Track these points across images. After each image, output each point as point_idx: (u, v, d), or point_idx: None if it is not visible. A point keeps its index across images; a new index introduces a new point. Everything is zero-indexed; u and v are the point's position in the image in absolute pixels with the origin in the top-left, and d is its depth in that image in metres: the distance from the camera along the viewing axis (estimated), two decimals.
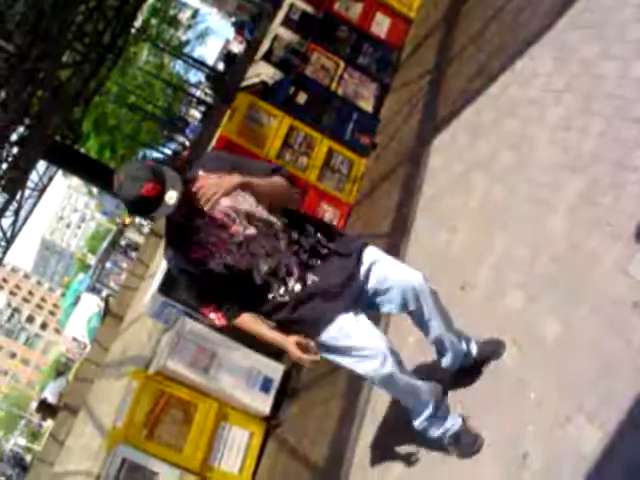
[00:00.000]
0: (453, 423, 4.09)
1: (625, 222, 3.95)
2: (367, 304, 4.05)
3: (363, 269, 3.96)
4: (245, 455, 7.41)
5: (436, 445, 4.21)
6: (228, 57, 41.54)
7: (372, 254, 4.05)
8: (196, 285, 3.90)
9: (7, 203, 20.15)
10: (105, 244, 44.12)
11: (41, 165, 22.28)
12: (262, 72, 12.45)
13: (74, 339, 46.22)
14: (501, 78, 7.08)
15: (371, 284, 3.98)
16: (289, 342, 3.80)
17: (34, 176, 21.95)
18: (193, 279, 3.87)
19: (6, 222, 20.85)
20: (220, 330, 7.02)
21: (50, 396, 29.17)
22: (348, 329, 3.82)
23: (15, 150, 19.49)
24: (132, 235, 43.45)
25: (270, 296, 3.86)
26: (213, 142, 9.47)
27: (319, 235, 3.93)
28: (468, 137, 7.15)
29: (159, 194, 3.37)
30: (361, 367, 3.85)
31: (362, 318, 3.88)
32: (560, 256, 4.41)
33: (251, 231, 3.73)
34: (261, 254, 3.77)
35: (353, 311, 3.87)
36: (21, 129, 19.39)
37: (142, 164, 3.51)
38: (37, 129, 19.07)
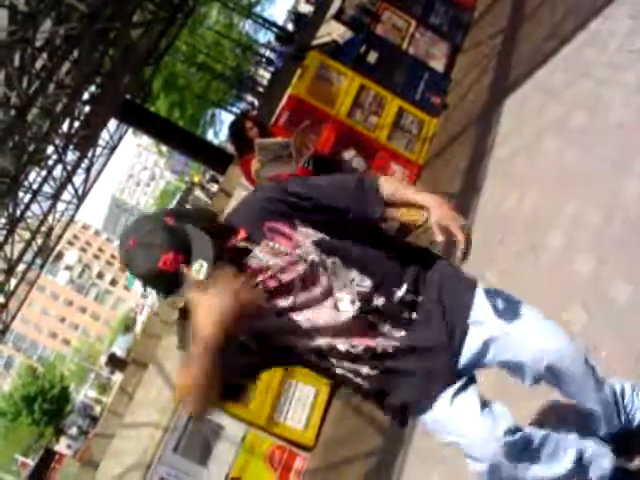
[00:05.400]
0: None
1: None
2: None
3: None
4: (310, 412, 7.50)
5: None
6: (297, 17, 41.37)
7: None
8: None
9: (79, 161, 20.49)
10: (174, 202, 44.60)
11: (112, 124, 22.56)
12: (333, 31, 12.38)
13: (142, 295, 46.95)
14: (575, 39, 6.94)
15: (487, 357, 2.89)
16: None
17: (105, 134, 22.24)
18: None
19: (78, 180, 21.21)
20: None
21: (119, 350, 29.84)
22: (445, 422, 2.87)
23: (87, 108, 19.77)
24: (200, 194, 43.79)
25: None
26: (283, 101, 9.45)
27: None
28: (541, 98, 7.04)
29: (180, 268, 2.49)
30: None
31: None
32: (633, 219, 4.34)
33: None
34: None
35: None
36: (93, 88, 19.63)
37: (156, 224, 2.56)
38: (108, 88, 19.30)
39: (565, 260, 4.77)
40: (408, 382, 2.84)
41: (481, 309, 2.82)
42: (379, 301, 2.75)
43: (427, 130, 9.43)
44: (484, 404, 2.83)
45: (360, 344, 2.77)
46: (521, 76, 7.78)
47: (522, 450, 2.78)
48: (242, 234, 2.63)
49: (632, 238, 4.25)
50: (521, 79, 7.73)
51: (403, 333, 2.79)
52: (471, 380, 2.90)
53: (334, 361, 2.84)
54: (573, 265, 4.62)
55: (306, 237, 2.71)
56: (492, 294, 2.86)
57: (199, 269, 2.49)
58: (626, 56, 5.70)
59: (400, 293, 2.77)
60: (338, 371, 2.87)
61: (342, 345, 2.77)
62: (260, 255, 2.69)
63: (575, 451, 2.91)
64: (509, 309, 2.83)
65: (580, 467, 2.93)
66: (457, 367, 2.84)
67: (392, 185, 2.85)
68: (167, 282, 2.50)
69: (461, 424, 2.79)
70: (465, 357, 2.85)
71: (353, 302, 2.72)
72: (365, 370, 2.83)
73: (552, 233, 5.15)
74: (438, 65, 10.53)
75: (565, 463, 2.88)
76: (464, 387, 2.84)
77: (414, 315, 2.80)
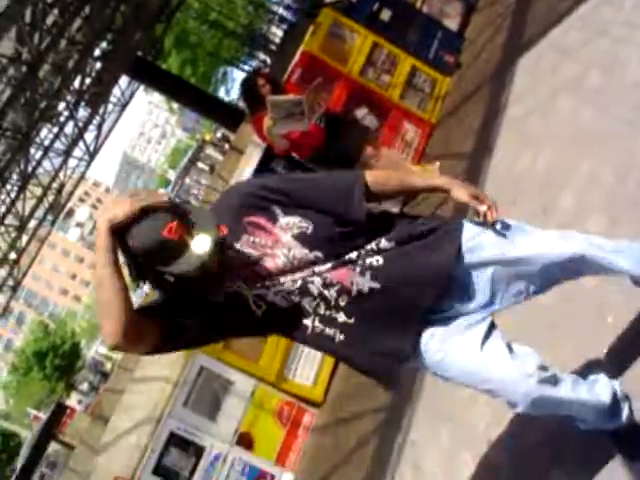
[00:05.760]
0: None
1: None
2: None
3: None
4: (319, 368, 7.57)
5: None
6: None
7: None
8: None
9: (90, 117, 20.50)
10: (185, 160, 44.55)
11: (123, 80, 22.54)
12: None
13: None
14: None
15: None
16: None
17: (116, 91, 22.24)
18: None
19: (89, 136, 21.24)
20: None
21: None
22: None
23: (98, 65, 19.72)
24: (212, 152, 43.71)
25: None
26: (296, 58, 9.41)
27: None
28: (555, 57, 6.98)
29: (184, 238, 2.50)
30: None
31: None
32: None
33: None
34: None
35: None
36: (104, 44, 19.56)
37: (161, 202, 2.59)
38: (120, 45, 19.24)
39: (577, 220, 4.76)
40: (389, 326, 2.90)
41: (475, 235, 2.91)
42: (351, 255, 2.83)
43: (440, 89, 9.38)
44: (510, 347, 2.91)
45: (334, 279, 2.81)
46: (535, 35, 7.72)
47: (555, 383, 2.89)
48: (223, 231, 2.61)
49: None
50: (536, 38, 7.67)
51: (381, 261, 2.84)
52: (492, 326, 2.96)
53: (309, 309, 2.85)
54: (586, 224, 4.60)
55: (287, 230, 2.77)
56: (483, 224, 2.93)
57: (201, 242, 2.49)
58: None
59: (372, 245, 2.85)
60: (315, 324, 2.88)
61: (317, 283, 2.81)
62: (242, 249, 2.76)
63: (609, 386, 3.06)
64: (507, 229, 2.95)
65: (614, 401, 3.05)
66: (452, 306, 2.92)
67: (390, 176, 2.96)
68: (168, 255, 2.49)
69: (493, 370, 2.86)
70: (475, 291, 2.92)
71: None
72: (342, 318, 2.86)
73: (565, 193, 5.13)
74: (452, 24, 10.44)
75: (603, 392, 3.02)
76: (488, 333, 2.91)
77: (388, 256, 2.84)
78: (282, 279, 2.80)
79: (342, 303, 2.84)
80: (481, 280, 2.92)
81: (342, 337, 2.88)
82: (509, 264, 2.91)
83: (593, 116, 5.53)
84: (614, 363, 3.51)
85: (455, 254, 2.87)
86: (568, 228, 4.69)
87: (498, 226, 2.92)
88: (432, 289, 2.87)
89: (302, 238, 2.78)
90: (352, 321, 2.86)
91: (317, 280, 2.80)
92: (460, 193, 2.87)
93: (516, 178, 6.13)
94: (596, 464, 3.32)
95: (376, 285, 2.81)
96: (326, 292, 2.82)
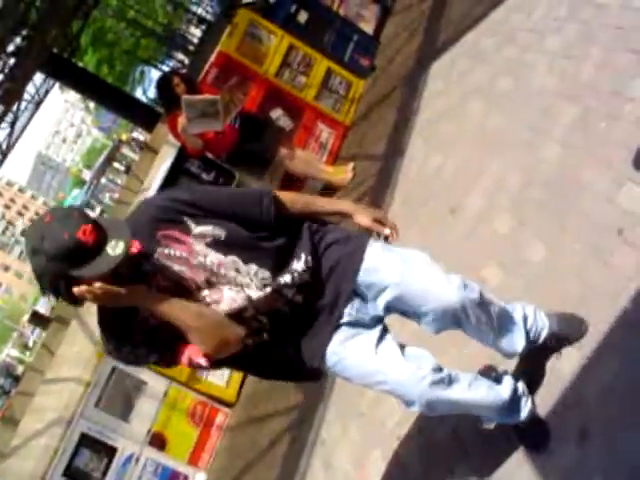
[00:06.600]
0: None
1: (617, 151, 3.98)
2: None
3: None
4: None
5: None
6: None
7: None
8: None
9: (3, 114, 20.06)
10: (101, 160, 44.04)
11: (38, 77, 22.13)
12: None
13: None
14: (504, 4, 7.02)
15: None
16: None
17: (31, 88, 21.82)
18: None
19: (2, 134, 20.80)
20: None
21: (42, 309, 29.45)
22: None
23: (12, 61, 19.32)
24: (128, 152, 43.29)
25: None
26: (212, 58, 9.37)
27: None
28: (468, 62, 7.12)
29: (99, 241, 2.51)
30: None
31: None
32: (551, 183, 4.44)
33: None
34: None
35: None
36: (18, 40, 19.19)
37: (74, 207, 2.75)
38: (34, 40, 18.86)
39: (483, 221, 4.88)
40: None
41: (375, 259, 3.03)
42: (285, 278, 2.94)
43: (355, 91, 9.45)
44: (403, 349, 3.01)
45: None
46: (449, 40, 7.85)
47: (450, 383, 2.97)
48: (136, 246, 2.68)
49: (549, 200, 4.36)
50: (449, 43, 7.80)
51: (300, 298, 2.97)
52: (385, 330, 3.09)
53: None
54: (492, 226, 4.73)
55: (200, 240, 2.83)
56: (386, 248, 3.09)
57: (115, 246, 2.51)
58: (550, 23, 5.80)
59: (300, 264, 2.96)
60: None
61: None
62: (159, 262, 2.80)
63: (510, 383, 3.19)
64: (401, 257, 3.07)
65: (515, 398, 3.17)
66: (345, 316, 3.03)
67: (296, 198, 3.08)
68: (78, 259, 2.50)
69: (387, 371, 2.93)
70: (370, 303, 3.08)
71: (261, 288, 2.90)
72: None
73: (473, 195, 5.26)
74: (368, 27, 10.52)
75: (504, 389, 3.14)
76: (381, 337, 3.03)
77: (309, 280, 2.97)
78: (204, 292, 2.87)
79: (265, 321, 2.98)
80: (377, 296, 3.05)
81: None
82: (402, 288, 3.00)
83: (501, 121, 5.68)
84: (517, 360, 3.61)
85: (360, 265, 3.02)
86: (475, 228, 4.84)
87: (397, 252, 3.08)
88: (349, 280, 3.02)
89: (216, 245, 2.83)
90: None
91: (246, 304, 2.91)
92: (363, 218, 3.08)
93: (427, 180, 6.24)
94: (501, 458, 3.41)
95: (299, 298, 2.97)
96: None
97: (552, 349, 3.41)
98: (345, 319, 3.02)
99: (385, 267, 3.01)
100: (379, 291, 3.02)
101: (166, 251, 2.80)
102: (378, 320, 3.09)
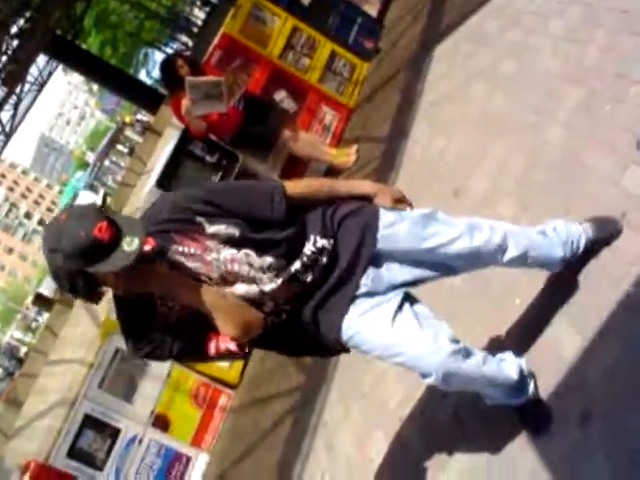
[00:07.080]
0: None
1: (621, 134, 3.97)
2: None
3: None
4: None
5: None
6: None
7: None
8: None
9: (6, 96, 20.08)
10: (104, 142, 43.95)
11: (41, 59, 22.13)
12: None
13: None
14: None
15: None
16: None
17: (34, 70, 21.81)
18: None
19: (5, 116, 20.80)
20: None
21: (46, 291, 29.48)
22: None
23: (15, 43, 19.29)
24: (131, 134, 43.23)
25: None
26: (216, 40, 9.34)
27: None
28: (471, 45, 7.10)
29: (114, 238, 2.57)
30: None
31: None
32: (555, 166, 4.43)
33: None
34: None
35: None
36: (22, 22, 19.16)
37: (89, 205, 2.86)
38: (38, 22, 18.84)
39: (487, 204, 4.88)
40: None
41: (390, 225, 3.06)
42: (296, 265, 2.96)
43: (359, 74, 9.44)
44: (420, 320, 3.02)
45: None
46: (453, 23, 7.82)
47: (466, 356, 2.99)
48: (151, 243, 2.73)
49: (553, 184, 4.35)
50: (453, 26, 7.78)
51: (315, 276, 3.01)
52: (404, 300, 3.08)
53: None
54: (496, 209, 4.72)
55: (214, 238, 2.86)
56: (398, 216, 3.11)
57: (130, 242, 2.56)
58: (554, 6, 5.78)
59: (309, 246, 2.98)
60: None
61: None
62: (173, 258, 2.85)
63: (516, 364, 3.22)
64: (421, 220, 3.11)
65: (521, 377, 3.20)
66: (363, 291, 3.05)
67: (315, 187, 3.11)
68: (95, 256, 2.55)
69: (404, 343, 2.95)
70: (387, 271, 3.10)
71: (274, 280, 2.94)
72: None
73: (477, 177, 5.25)
74: (372, 10, 10.49)
75: (510, 369, 3.16)
76: (400, 307, 3.04)
77: (324, 260, 3.01)
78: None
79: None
80: (392, 264, 3.09)
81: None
82: (418, 253, 3.07)
83: (505, 103, 5.67)
84: (521, 342, 3.62)
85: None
86: (479, 212, 4.83)
87: (413, 216, 3.10)
88: (366, 247, 3.05)
89: (229, 241, 2.87)
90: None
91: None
92: (384, 200, 3.13)
93: (430, 162, 6.24)
94: (503, 439, 3.43)
95: (315, 277, 3.01)
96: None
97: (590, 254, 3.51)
98: (362, 289, 3.04)
99: (401, 233, 3.06)
100: (404, 254, 3.10)
101: (180, 248, 2.84)
102: (395, 288, 3.10)
